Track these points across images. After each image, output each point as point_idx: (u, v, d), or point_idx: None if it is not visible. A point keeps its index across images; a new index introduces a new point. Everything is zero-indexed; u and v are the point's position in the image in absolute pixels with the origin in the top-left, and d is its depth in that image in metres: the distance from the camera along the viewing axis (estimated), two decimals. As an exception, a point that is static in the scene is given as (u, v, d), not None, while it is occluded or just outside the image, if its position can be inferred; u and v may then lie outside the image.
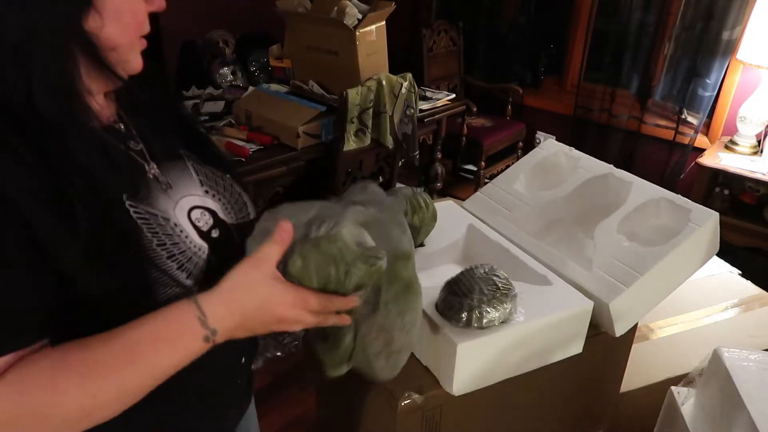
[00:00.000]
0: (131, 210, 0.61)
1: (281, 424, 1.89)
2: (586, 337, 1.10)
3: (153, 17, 0.66)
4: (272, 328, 0.63)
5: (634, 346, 1.25)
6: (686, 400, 1.02)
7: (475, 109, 3.15)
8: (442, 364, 0.99)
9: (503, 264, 1.10)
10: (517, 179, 1.40)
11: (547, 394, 1.16)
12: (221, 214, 0.73)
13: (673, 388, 1.06)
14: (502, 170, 1.60)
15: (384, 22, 2.58)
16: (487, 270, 1.04)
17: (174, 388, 0.60)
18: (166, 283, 0.62)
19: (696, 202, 1.19)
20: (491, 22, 3.64)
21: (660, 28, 2.95)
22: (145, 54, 0.66)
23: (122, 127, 0.69)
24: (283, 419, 1.90)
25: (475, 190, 1.40)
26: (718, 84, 2.70)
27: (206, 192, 0.73)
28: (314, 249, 0.60)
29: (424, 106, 2.83)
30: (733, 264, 1.83)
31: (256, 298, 0.60)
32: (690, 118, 2.88)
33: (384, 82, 2.50)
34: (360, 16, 2.44)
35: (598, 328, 1.13)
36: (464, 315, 0.98)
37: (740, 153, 2.58)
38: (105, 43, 0.59)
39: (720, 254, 1.32)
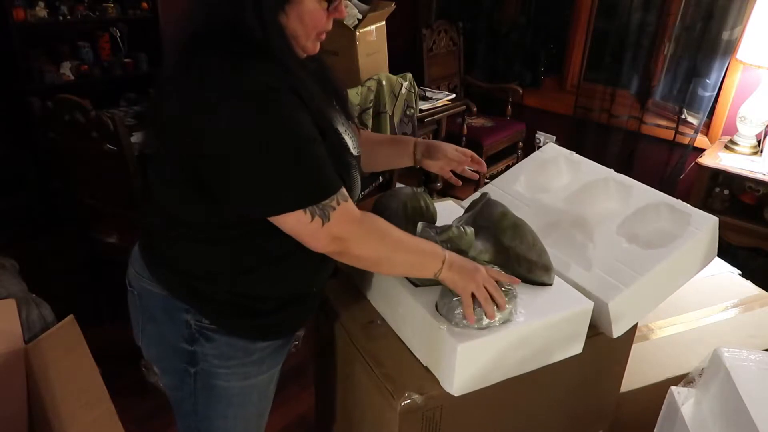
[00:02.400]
0: (339, 130, 1.00)
1: (281, 424, 1.89)
2: (586, 337, 1.11)
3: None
4: (467, 270, 0.98)
5: (634, 346, 1.25)
6: (686, 400, 1.02)
7: (475, 109, 3.14)
8: (443, 364, 0.99)
9: (503, 264, 1.10)
10: (518, 180, 1.40)
11: (547, 395, 1.16)
12: (351, 148, 1.04)
13: (673, 388, 1.06)
14: (503, 170, 1.60)
15: (384, 22, 2.58)
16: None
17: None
18: (351, 167, 1.00)
19: (696, 202, 1.19)
20: (491, 22, 3.64)
21: (660, 28, 2.95)
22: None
23: None
24: (283, 419, 1.90)
25: (475, 191, 1.41)
26: (718, 84, 2.69)
27: (345, 131, 1.04)
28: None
29: (424, 106, 2.83)
30: (733, 264, 1.83)
31: (450, 255, 0.99)
32: (690, 118, 2.88)
33: (384, 82, 2.50)
34: (360, 16, 2.44)
35: (597, 329, 1.13)
36: (464, 315, 0.98)
37: (740, 153, 2.57)
38: (289, 33, 0.90)
39: (720, 254, 1.32)
